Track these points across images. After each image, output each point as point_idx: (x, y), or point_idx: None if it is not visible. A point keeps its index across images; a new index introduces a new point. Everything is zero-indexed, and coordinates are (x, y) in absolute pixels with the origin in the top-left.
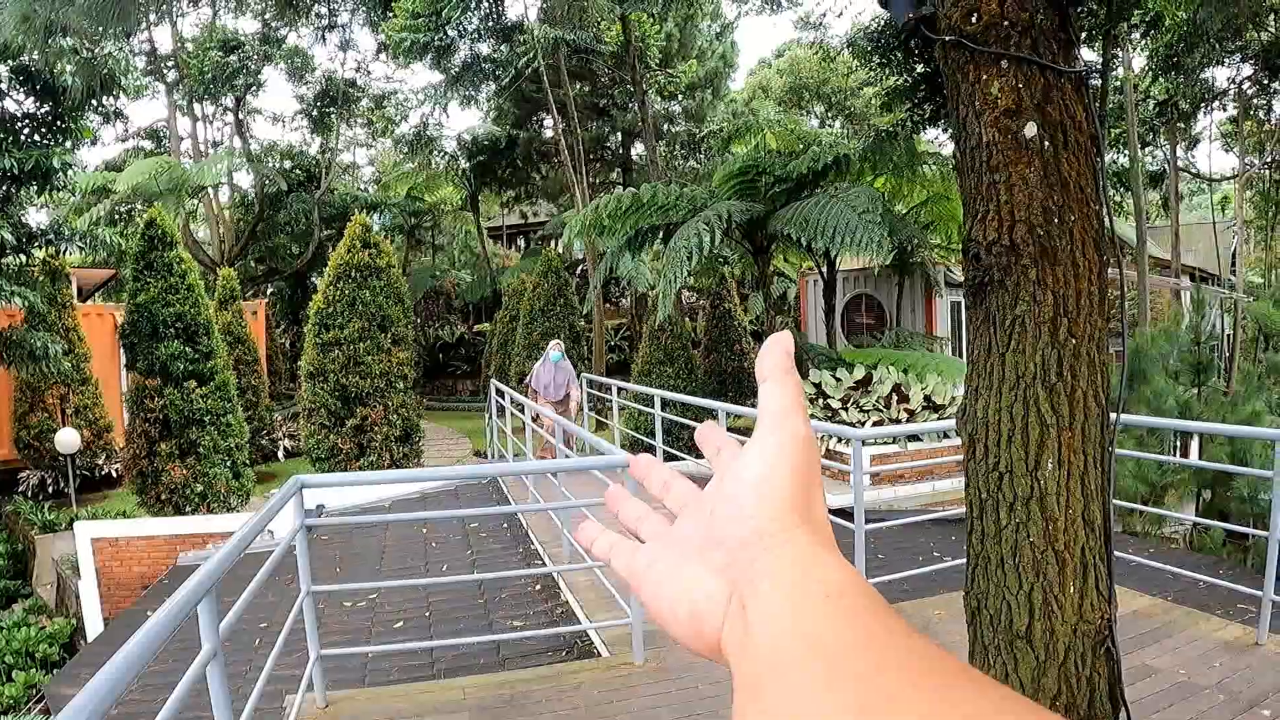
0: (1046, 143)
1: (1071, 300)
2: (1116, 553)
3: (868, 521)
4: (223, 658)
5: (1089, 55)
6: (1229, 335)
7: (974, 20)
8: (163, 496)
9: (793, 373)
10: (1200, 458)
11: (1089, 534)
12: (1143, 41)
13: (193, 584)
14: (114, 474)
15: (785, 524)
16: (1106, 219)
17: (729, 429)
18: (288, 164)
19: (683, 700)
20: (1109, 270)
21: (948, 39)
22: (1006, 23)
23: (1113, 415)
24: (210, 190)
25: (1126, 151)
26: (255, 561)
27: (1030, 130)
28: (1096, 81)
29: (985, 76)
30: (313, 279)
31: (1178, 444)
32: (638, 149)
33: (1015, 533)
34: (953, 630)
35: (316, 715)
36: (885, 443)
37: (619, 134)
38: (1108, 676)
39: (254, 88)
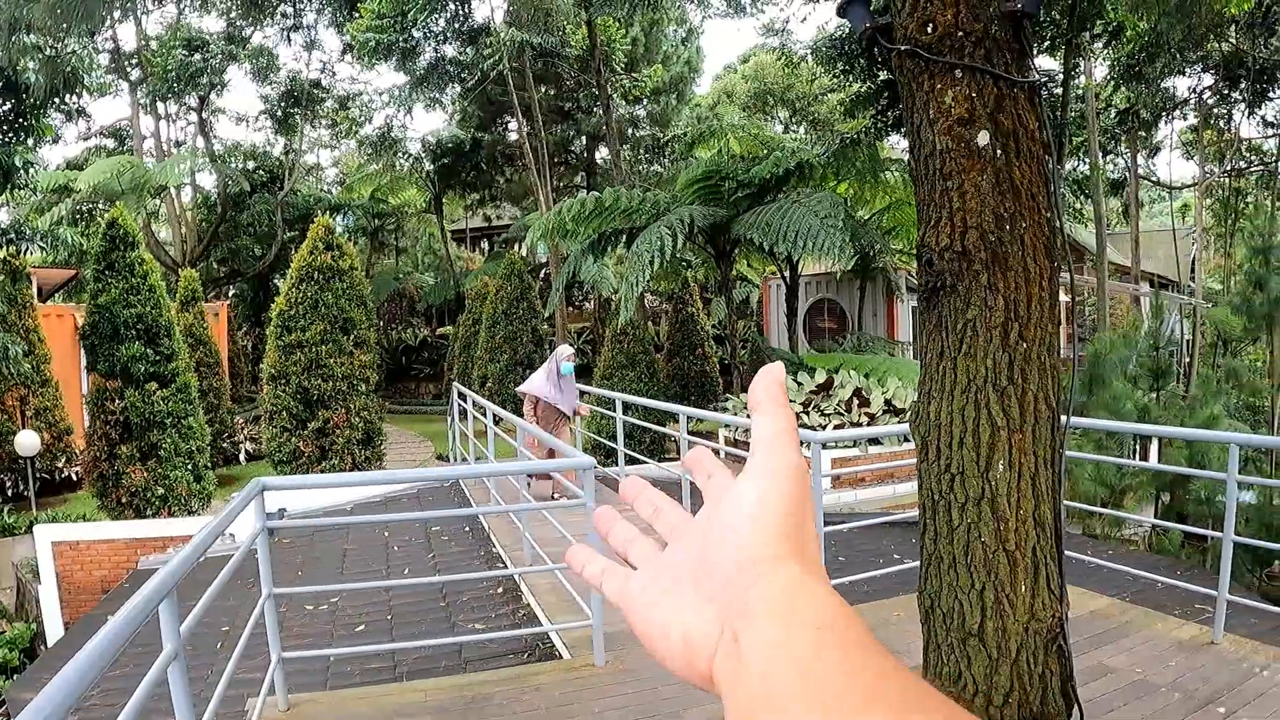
0: (999, 151)
1: (1022, 305)
2: (1075, 555)
3: (828, 524)
4: (184, 659)
5: (1051, 64)
6: (1189, 341)
7: (929, 31)
8: (123, 500)
9: (785, 403)
10: (1159, 462)
11: (1040, 534)
12: (1105, 51)
13: (153, 585)
14: (74, 477)
15: (778, 553)
16: (1058, 226)
17: (691, 433)
18: (251, 164)
19: (643, 701)
20: (1064, 275)
21: (903, 48)
22: (961, 33)
23: (1064, 418)
24: (172, 190)
25: (1088, 159)
26: (216, 565)
27: (983, 138)
28: (1059, 90)
29: (939, 86)
30: (275, 281)
31: (1137, 448)
32: (602, 153)
33: (967, 533)
34: (910, 631)
35: (277, 718)
36: (846, 446)
37: (584, 137)
38: (1060, 673)
39: (218, 87)
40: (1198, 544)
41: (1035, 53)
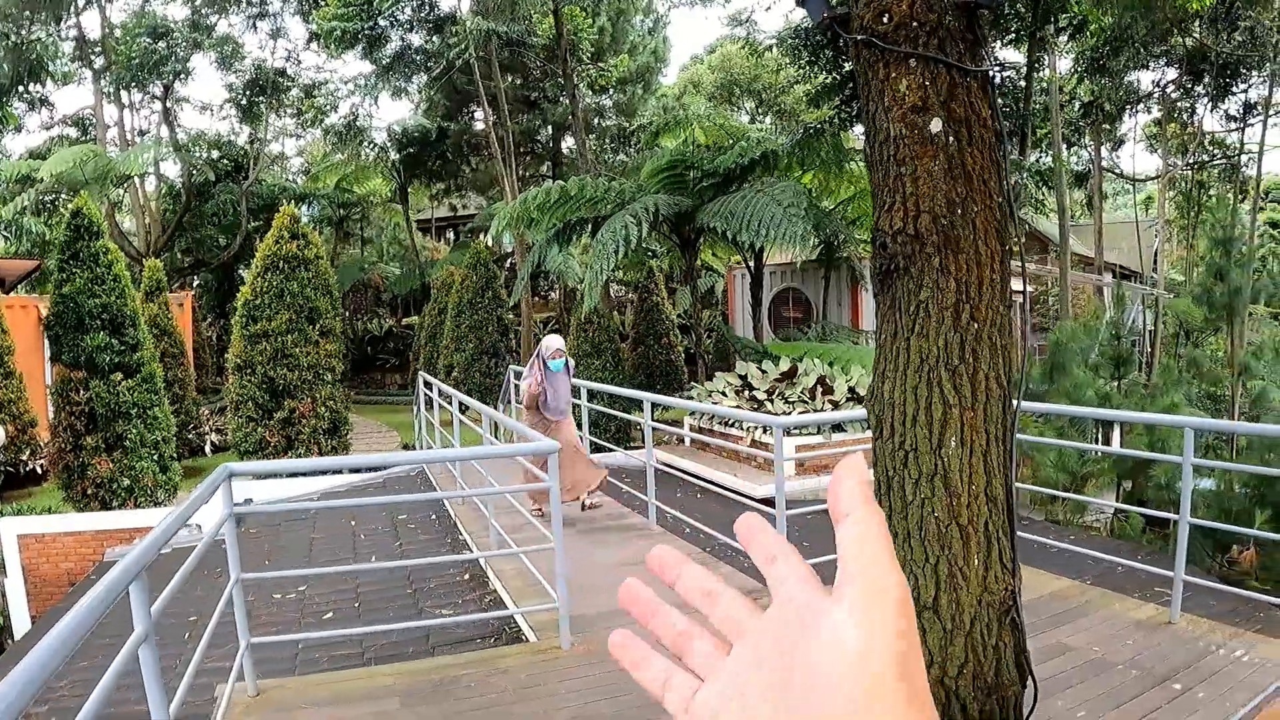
0: (951, 138)
1: (974, 287)
2: (1038, 539)
3: (791, 508)
4: (154, 640)
5: (1016, 57)
6: (1151, 331)
7: (885, 20)
8: (89, 491)
9: (875, 505)
10: (1122, 449)
11: (992, 509)
12: (1069, 44)
13: (122, 567)
14: (39, 470)
15: (891, 707)
16: (1010, 210)
17: (656, 420)
18: (215, 154)
19: (608, 682)
20: (1014, 262)
21: (859, 38)
22: (915, 23)
23: (1016, 399)
24: (136, 180)
25: (1051, 151)
26: (181, 557)
27: (936, 125)
28: (1023, 83)
29: (894, 74)
30: (240, 271)
31: (1100, 436)
32: (568, 142)
33: (920, 508)
34: None
35: (247, 704)
36: (810, 434)
37: (549, 127)
38: (1013, 645)
39: (182, 75)
40: (1159, 529)
41: (1000, 45)
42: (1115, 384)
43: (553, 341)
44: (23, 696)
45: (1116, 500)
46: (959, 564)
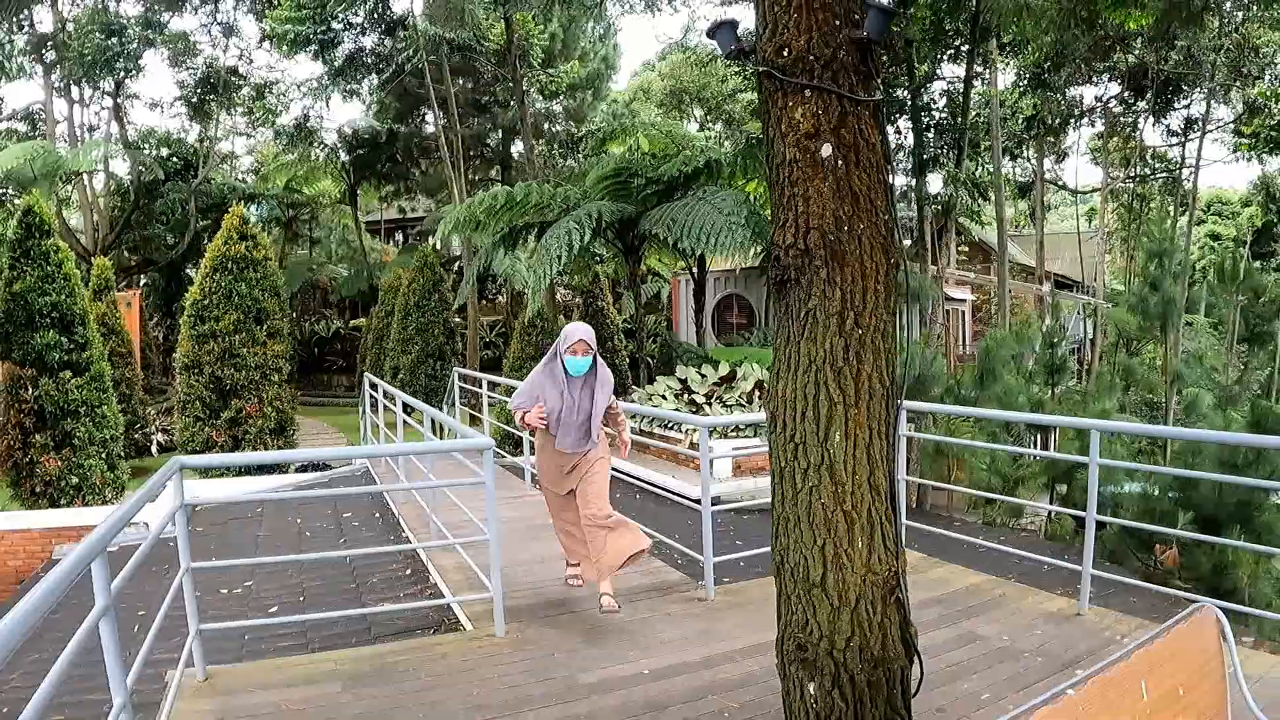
0: (840, 161)
1: (858, 296)
2: (968, 538)
3: (715, 504)
4: (114, 613)
5: (957, 70)
6: (1091, 340)
7: (784, 54)
8: (37, 489)
9: None
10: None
11: (875, 497)
12: (1012, 60)
13: (87, 544)
14: None
15: None
16: (894, 228)
17: None
18: (165, 151)
19: (539, 667)
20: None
21: (761, 69)
22: (811, 57)
23: (901, 397)
24: (85, 176)
25: (991, 163)
26: (127, 554)
27: (826, 150)
28: (960, 98)
29: (791, 103)
30: (187, 270)
31: (1037, 442)
32: (518, 147)
33: (809, 495)
34: None
35: (197, 687)
36: (748, 435)
37: (499, 131)
38: (898, 622)
39: (134, 72)
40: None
41: (942, 60)
42: (1049, 391)
43: (576, 330)
44: None
45: (1050, 503)
46: (844, 546)
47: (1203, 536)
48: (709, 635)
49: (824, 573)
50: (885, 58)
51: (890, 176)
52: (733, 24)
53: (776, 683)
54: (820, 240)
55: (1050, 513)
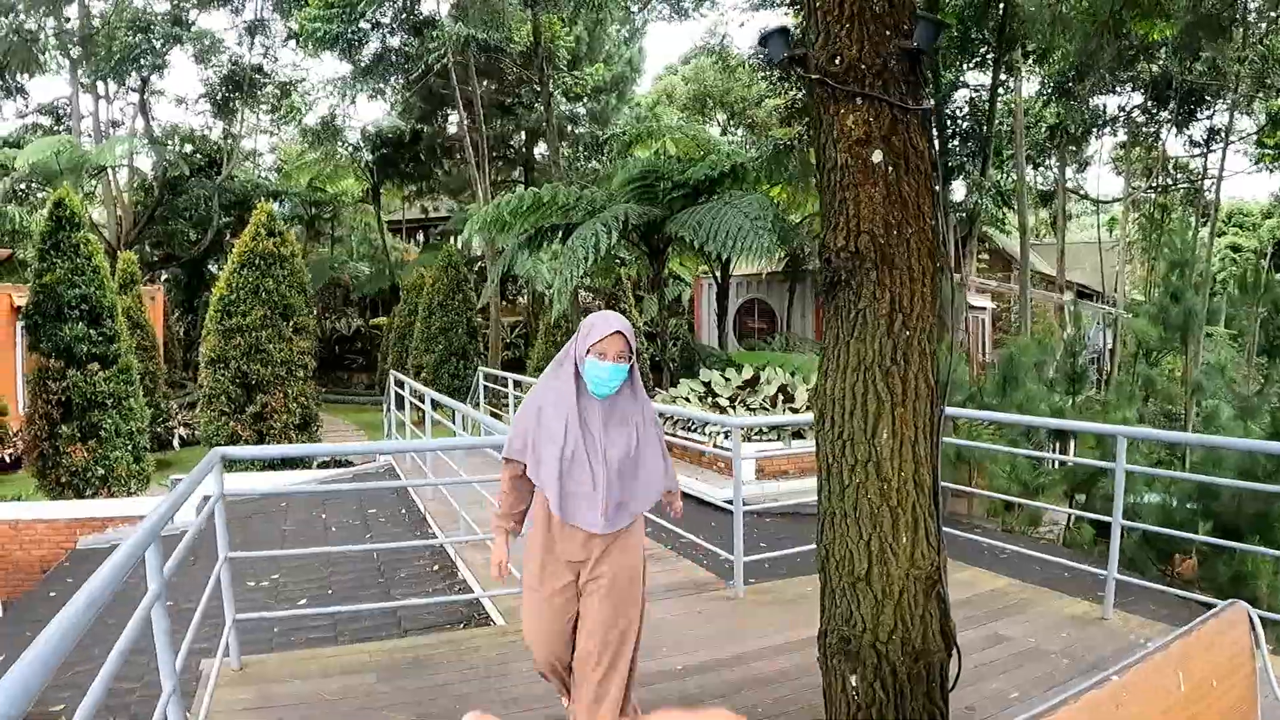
0: (890, 168)
1: (906, 299)
2: (989, 541)
3: (747, 506)
4: (165, 598)
5: (983, 80)
6: (1111, 349)
7: (837, 63)
8: (63, 480)
9: None
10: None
11: (919, 493)
12: (1036, 69)
13: (141, 534)
14: (6, 459)
15: None
16: (942, 233)
17: None
18: (189, 148)
19: None
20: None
21: (814, 78)
22: (863, 66)
23: (945, 399)
24: (109, 172)
25: (1015, 172)
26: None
27: (877, 157)
28: (986, 106)
29: (843, 110)
30: (209, 266)
31: (1057, 449)
32: (541, 149)
33: (856, 491)
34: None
35: (232, 677)
36: (770, 439)
37: (523, 133)
38: (938, 616)
39: (160, 69)
40: (1107, 538)
41: (966, 69)
42: (1070, 399)
43: (606, 320)
44: (57, 652)
45: (1071, 510)
46: (889, 541)
47: (1226, 543)
48: (741, 633)
49: (869, 566)
50: (929, 65)
51: (937, 184)
52: (785, 31)
53: (809, 679)
54: (870, 244)
55: (1069, 520)
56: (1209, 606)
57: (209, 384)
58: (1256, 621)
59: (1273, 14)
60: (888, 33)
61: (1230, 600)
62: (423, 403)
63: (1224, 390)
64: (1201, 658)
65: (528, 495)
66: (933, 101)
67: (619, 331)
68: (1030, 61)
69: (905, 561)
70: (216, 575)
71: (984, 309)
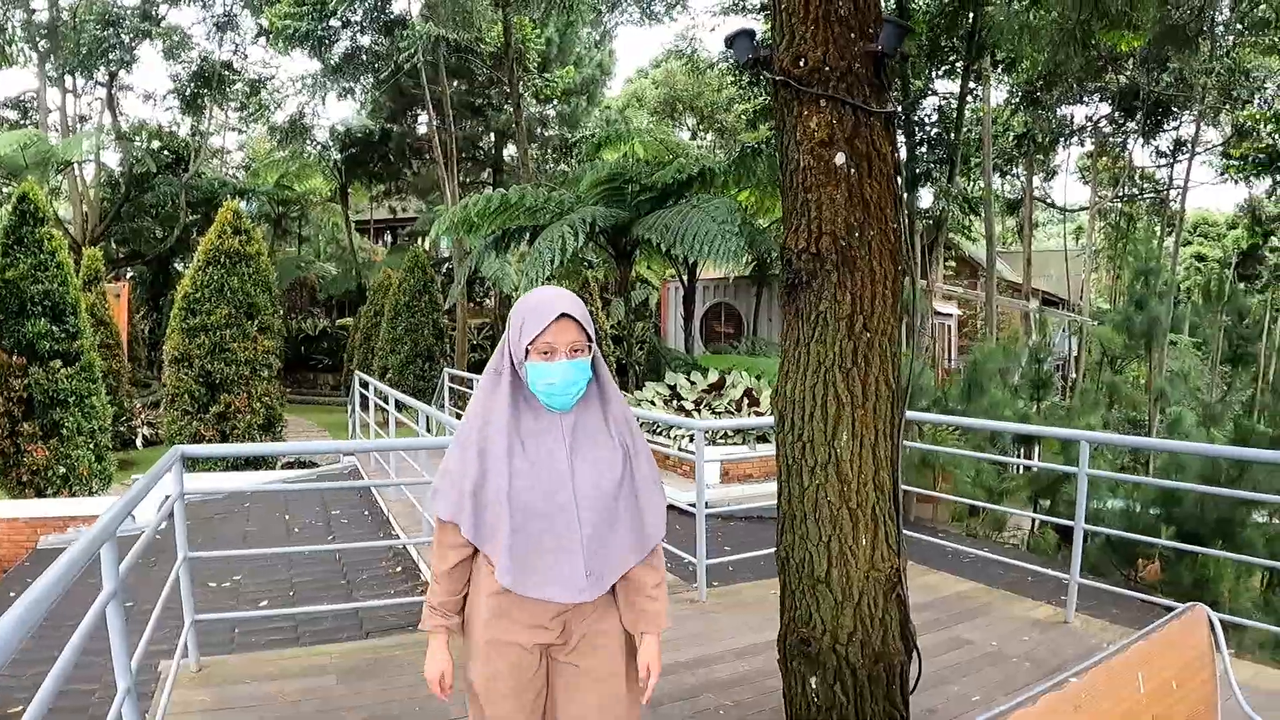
0: (853, 170)
1: (867, 301)
2: (953, 545)
3: (710, 510)
4: (122, 596)
5: (951, 86)
6: (1076, 356)
7: (801, 64)
8: (24, 479)
9: None
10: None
11: (879, 495)
12: (1005, 77)
13: (96, 531)
14: None
15: None
16: (903, 236)
17: None
18: (157, 144)
19: None
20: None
21: (778, 79)
22: (828, 68)
23: (905, 401)
24: (76, 167)
25: (983, 179)
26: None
27: (840, 159)
28: (954, 114)
29: (806, 112)
30: (175, 264)
31: (1022, 455)
32: (510, 150)
33: (816, 492)
34: None
35: (192, 677)
36: (734, 443)
37: (493, 134)
38: (898, 618)
39: (129, 64)
40: (1071, 544)
41: (935, 76)
42: (1035, 405)
43: (549, 298)
44: (3, 652)
45: (1031, 518)
46: (849, 542)
47: (1188, 547)
48: (703, 636)
49: (829, 568)
50: (897, 72)
51: (900, 187)
52: (750, 33)
53: (771, 682)
54: (832, 245)
55: (1033, 526)
56: (1171, 610)
57: (172, 383)
58: (1217, 624)
59: (1239, 26)
60: (852, 35)
61: (1190, 604)
62: (387, 403)
63: (1188, 397)
64: (1161, 660)
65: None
66: (898, 105)
67: (565, 315)
68: (999, 70)
69: (865, 563)
70: (175, 575)
71: (950, 315)
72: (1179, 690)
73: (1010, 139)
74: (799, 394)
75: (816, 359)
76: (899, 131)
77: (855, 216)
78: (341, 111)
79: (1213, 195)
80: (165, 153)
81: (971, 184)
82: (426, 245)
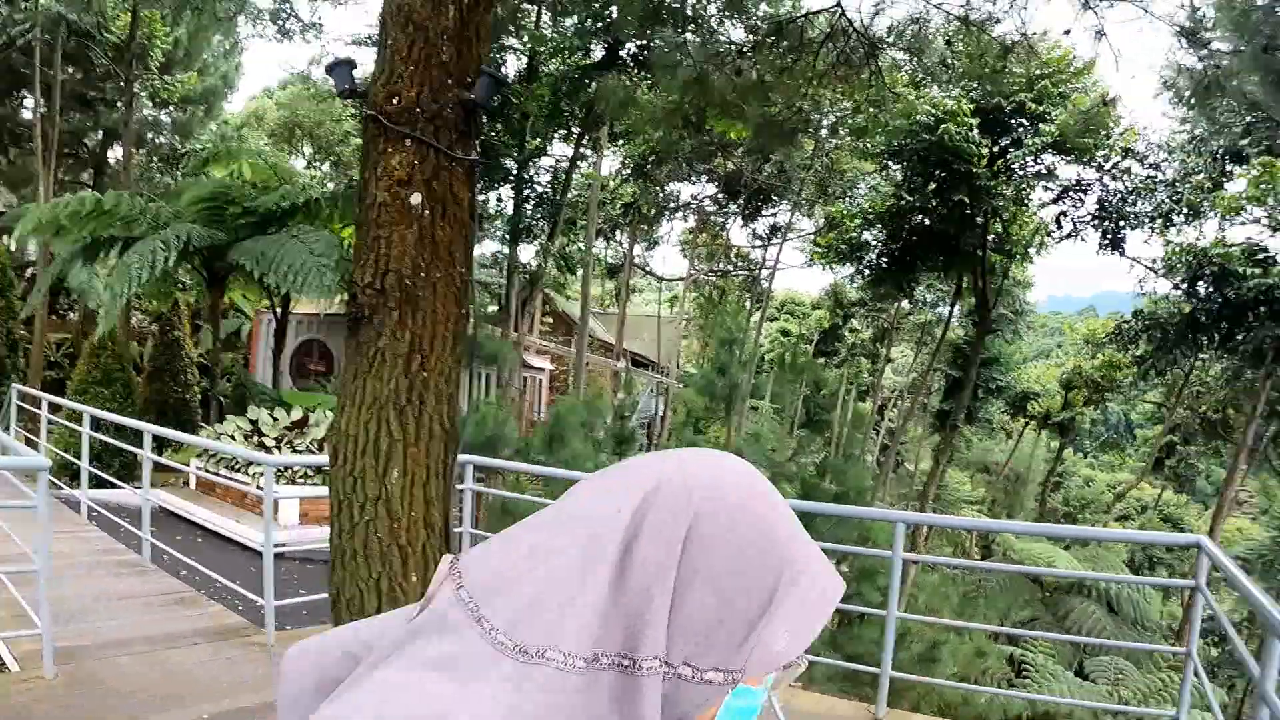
0: (427, 211)
1: (427, 340)
2: None
3: (286, 548)
4: None
5: (567, 150)
6: (663, 416)
7: (394, 102)
8: None
9: None
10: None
11: (429, 533)
12: (618, 147)
13: None
14: None
15: None
16: (470, 281)
17: (166, 459)
18: None
19: (95, 710)
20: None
21: (369, 113)
22: (419, 109)
23: (459, 444)
24: None
25: (585, 242)
26: None
27: (416, 199)
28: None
29: (390, 149)
30: None
31: None
32: (116, 153)
33: (366, 529)
34: None
35: None
36: (315, 483)
37: (100, 132)
38: None
39: None
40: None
41: (553, 136)
42: (617, 459)
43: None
44: None
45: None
46: (399, 580)
47: None
48: (270, 680)
49: (379, 606)
50: (497, 125)
51: (473, 234)
52: (350, 63)
53: None
54: (397, 283)
55: None
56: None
57: None
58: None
59: (843, 131)
60: (450, 81)
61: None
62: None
63: (762, 456)
64: None
65: None
66: (479, 154)
67: None
68: (615, 141)
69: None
70: None
71: (543, 370)
72: None
73: (618, 206)
74: (354, 428)
75: (372, 394)
76: (507, 185)
77: (424, 257)
78: None
79: (802, 278)
80: None
81: (572, 244)
82: (12, 245)
